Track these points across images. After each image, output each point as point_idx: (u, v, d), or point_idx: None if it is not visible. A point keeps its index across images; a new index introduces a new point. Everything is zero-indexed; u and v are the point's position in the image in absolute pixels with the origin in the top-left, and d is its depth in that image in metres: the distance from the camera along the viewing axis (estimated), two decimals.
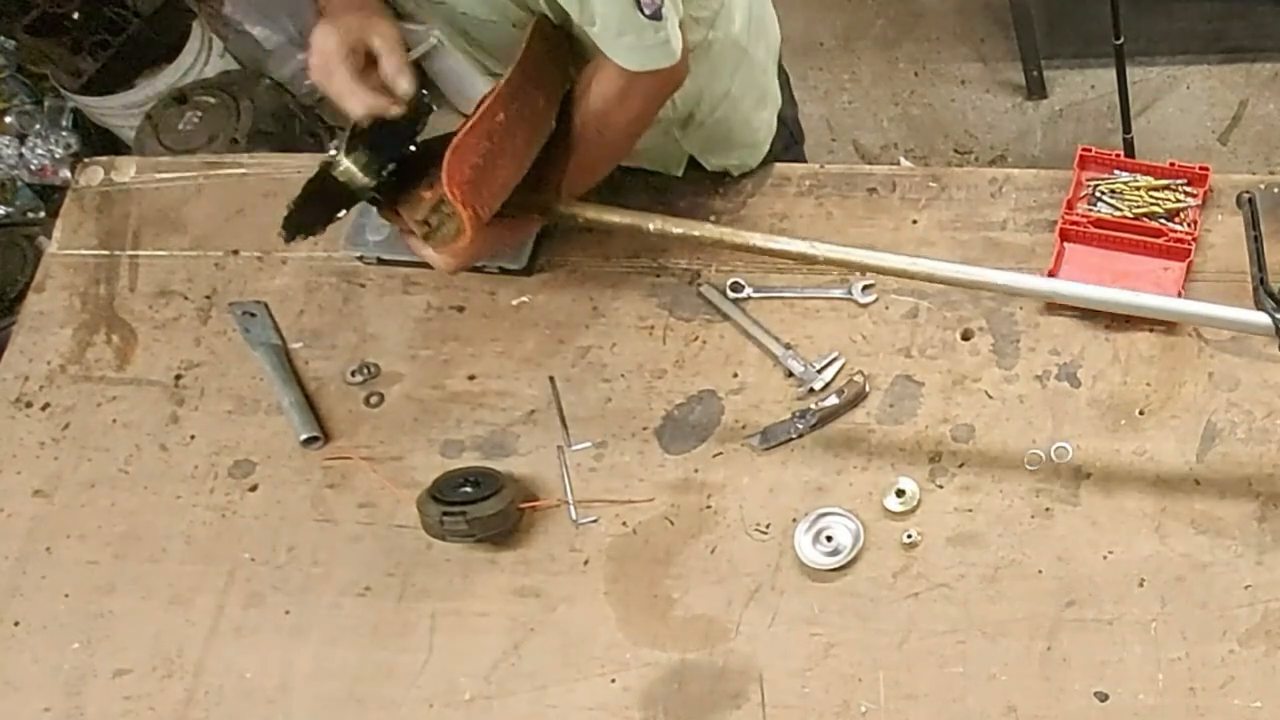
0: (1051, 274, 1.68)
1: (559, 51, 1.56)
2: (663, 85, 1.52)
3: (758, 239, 1.48)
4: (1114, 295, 1.44)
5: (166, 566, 1.65)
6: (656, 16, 1.40)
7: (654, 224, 1.51)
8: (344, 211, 1.53)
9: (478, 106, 1.48)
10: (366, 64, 1.51)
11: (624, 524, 1.61)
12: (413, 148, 1.53)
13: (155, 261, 1.87)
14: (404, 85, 1.50)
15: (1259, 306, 1.55)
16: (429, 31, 3.06)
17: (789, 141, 1.92)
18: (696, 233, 1.51)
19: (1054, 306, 1.68)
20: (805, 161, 2.04)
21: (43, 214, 3.10)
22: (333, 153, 1.50)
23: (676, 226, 1.51)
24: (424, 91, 1.56)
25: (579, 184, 1.61)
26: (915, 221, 1.77)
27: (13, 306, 2.78)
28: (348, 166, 1.50)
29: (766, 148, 1.82)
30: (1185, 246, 1.67)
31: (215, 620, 1.61)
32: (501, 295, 1.78)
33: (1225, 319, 1.44)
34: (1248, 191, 1.66)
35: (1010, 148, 3.15)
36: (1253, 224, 1.65)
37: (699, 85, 1.67)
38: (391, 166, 1.51)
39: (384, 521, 1.64)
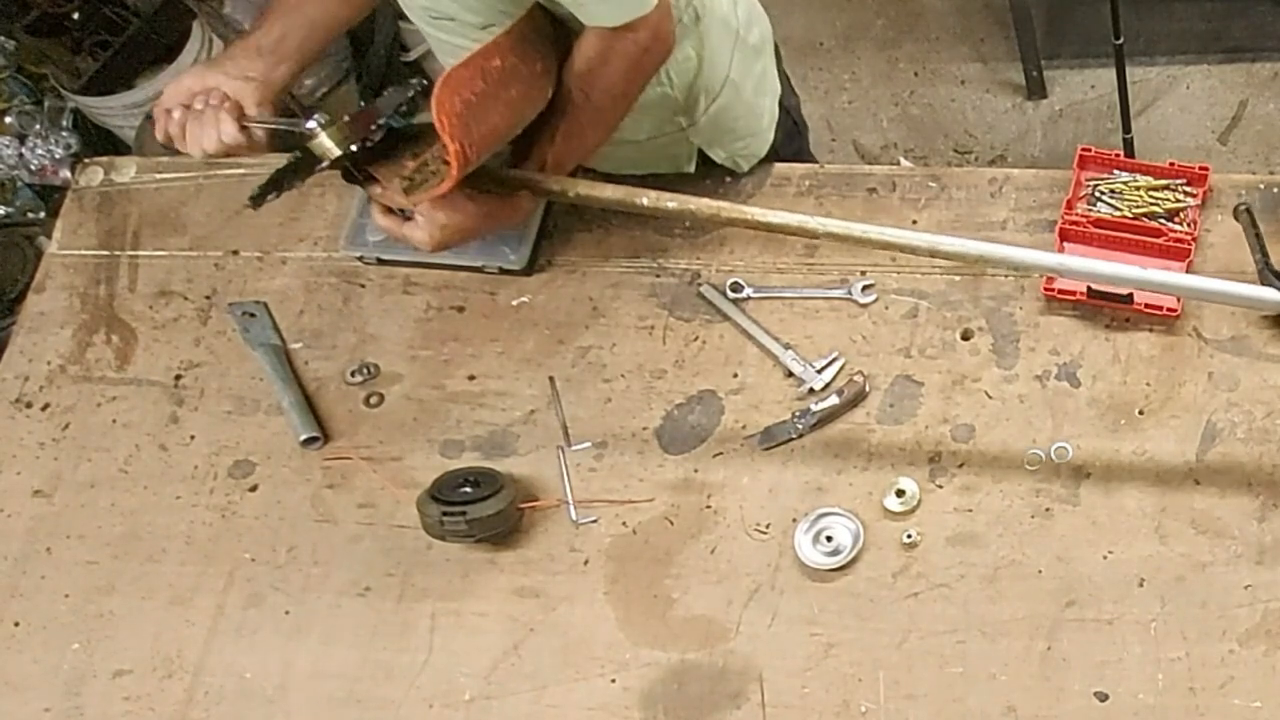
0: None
1: (558, 34, 1.57)
2: (644, 50, 1.52)
3: (755, 212, 1.46)
4: (1121, 270, 1.43)
5: (166, 566, 1.65)
6: None
7: (647, 199, 1.49)
8: (322, 164, 1.52)
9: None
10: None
11: (624, 524, 1.61)
12: (400, 123, 1.53)
13: (155, 262, 1.88)
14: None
15: (1265, 284, 1.55)
16: None
17: (793, 131, 1.92)
18: (692, 206, 1.48)
19: (1054, 305, 1.68)
20: (810, 152, 2.05)
21: (43, 214, 3.10)
22: (311, 125, 1.50)
23: (671, 201, 1.48)
24: (414, 80, 1.56)
25: (568, 155, 1.60)
26: (915, 221, 1.77)
27: (13, 307, 2.77)
28: (322, 139, 1.50)
29: (771, 135, 1.83)
30: (1185, 246, 1.67)
31: (215, 620, 1.61)
32: (501, 295, 1.78)
33: (1234, 294, 1.43)
34: (1243, 203, 1.66)
35: (1010, 148, 3.15)
36: (1252, 225, 1.65)
37: (697, 65, 1.67)
38: (369, 141, 1.51)
39: (384, 521, 1.64)
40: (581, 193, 1.54)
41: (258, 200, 1.52)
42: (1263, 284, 1.54)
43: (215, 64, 1.64)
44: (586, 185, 1.54)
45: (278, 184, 1.53)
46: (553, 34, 1.55)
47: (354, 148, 1.50)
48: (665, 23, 1.51)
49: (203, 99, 1.59)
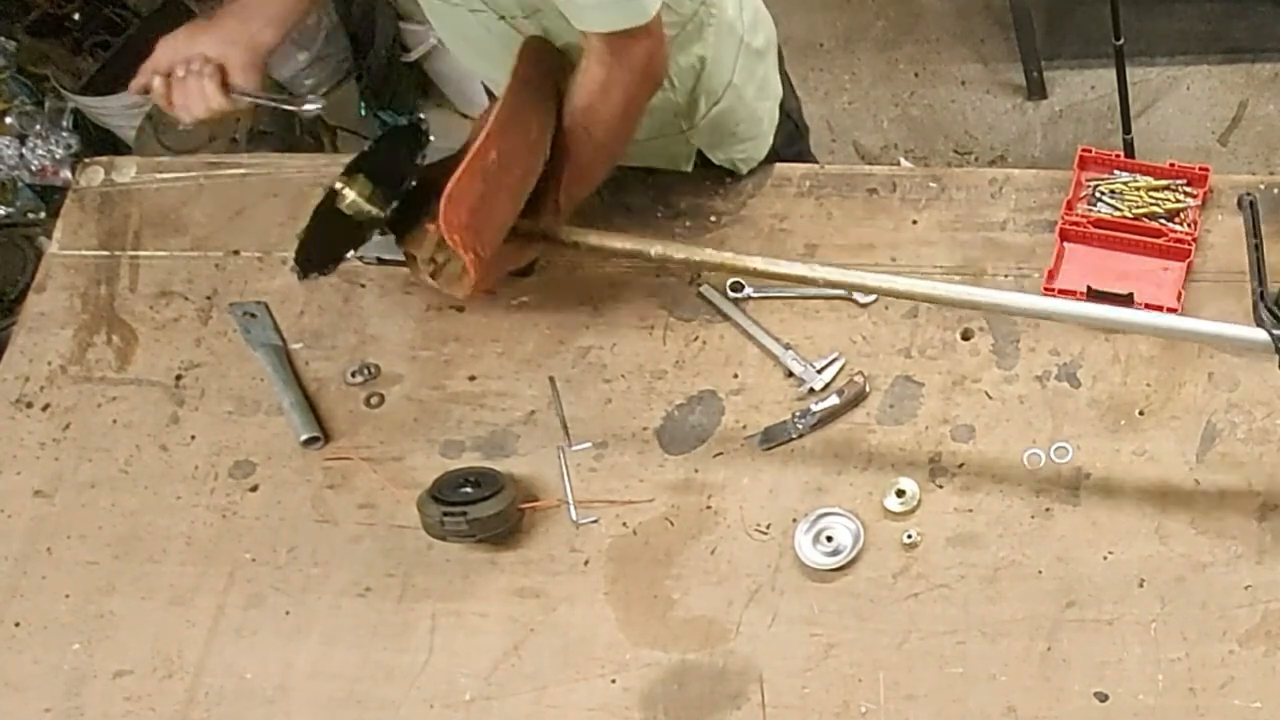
0: (1051, 274, 1.68)
1: (551, 72, 1.57)
2: (642, 78, 1.52)
3: (758, 262, 1.51)
4: (1111, 313, 1.45)
5: (166, 567, 1.65)
6: None
7: (655, 249, 1.54)
8: (359, 246, 1.54)
9: (469, 143, 1.49)
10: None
11: (624, 524, 1.61)
12: (413, 176, 1.53)
13: (155, 262, 1.87)
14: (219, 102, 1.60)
15: (1258, 322, 1.56)
16: (429, 32, 3.06)
17: (793, 135, 1.92)
18: (697, 258, 1.54)
19: None
20: (810, 154, 2.05)
21: (43, 214, 3.10)
22: (338, 185, 1.51)
23: (679, 252, 1.54)
24: (420, 117, 1.57)
25: (576, 189, 1.61)
26: (915, 222, 1.77)
27: (13, 307, 2.77)
28: (354, 199, 1.51)
29: (771, 139, 1.83)
30: (1185, 247, 1.67)
31: (215, 620, 1.61)
32: (501, 295, 1.78)
33: (1223, 335, 1.44)
34: (1249, 193, 1.67)
35: (1010, 148, 3.14)
36: (1253, 229, 1.65)
37: (700, 70, 1.67)
38: (396, 202, 1.51)
39: (384, 522, 1.64)
40: (592, 243, 1.57)
41: (303, 274, 1.54)
42: (1256, 320, 1.55)
43: (201, 29, 1.65)
44: (597, 236, 1.57)
45: (323, 257, 1.54)
46: (547, 64, 1.56)
47: (387, 213, 1.51)
48: (660, 49, 1.52)
49: (185, 65, 1.59)
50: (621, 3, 1.43)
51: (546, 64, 1.56)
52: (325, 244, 1.55)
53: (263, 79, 1.65)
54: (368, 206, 1.51)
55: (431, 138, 1.54)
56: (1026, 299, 1.47)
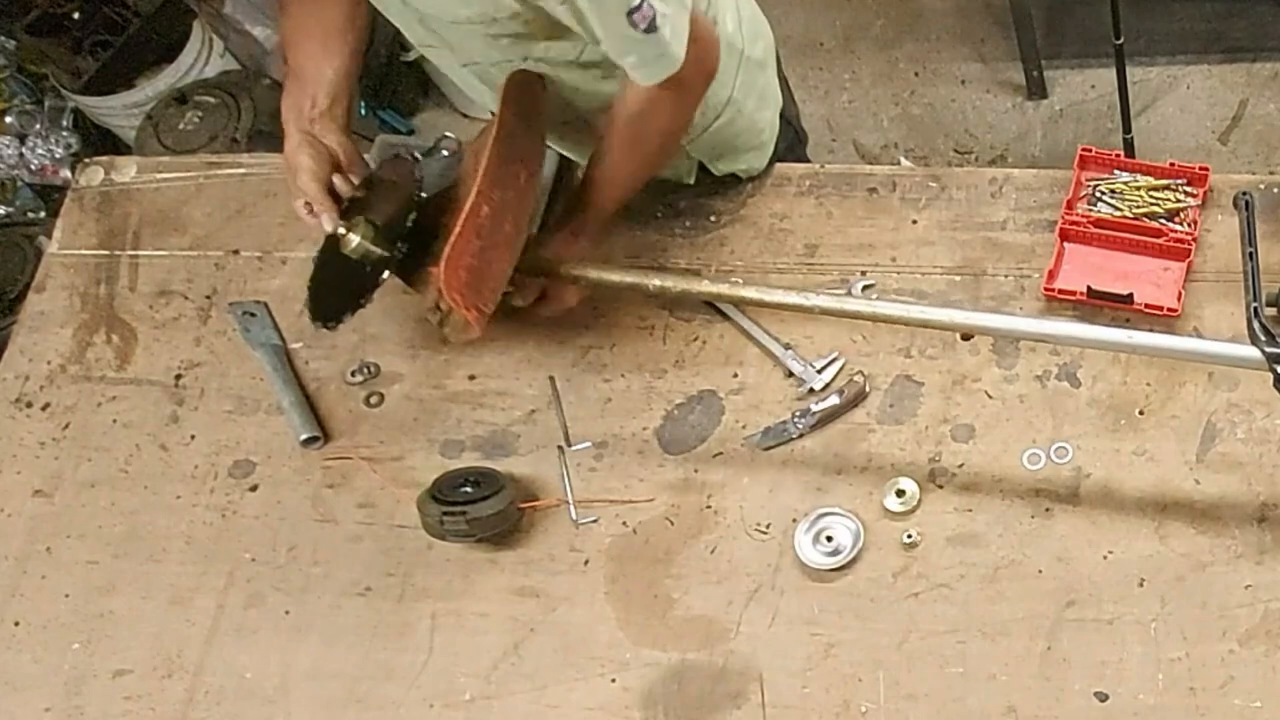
0: (1051, 274, 1.68)
1: (534, 111, 1.57)
2: (686, 92, 1.53)
3: (752, 292, 1.54)
4: (1106, 334, 1.45)
5: (166, 566, 1.65)
6: (651, 29, 1.40)
7: (654, 282, 1.56)
8: (370, 292, 1.54)
9: (461, 203, 1.48)
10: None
11: (624, 524, 1.61)
12: (414, 216, 1.53)
13: (155, 261, 1.87)
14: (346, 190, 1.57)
15: (1252, 339, 1.55)
16: None
17: (793, 142, 1.92)
18: (695, 289, 1.57)
19: (1054, 306, 1.68)
20: (809, 160, 2.05)
21: (43, 214, 3.10)
22: (340, 230, 1.51)
23: (676, 284, 1.56)
24: (415, 155, 1.56)
25: (619, 194, 1.63)
26: (915, 221, 1.77)
27: (13, 306, 2.77)
28: (359, 243, 1.51)
29: (772, 148, 1.82)
30: (1185, 246, 1.67)
31: (215, 620, 1.61)
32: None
33: (1215, 354, 1.43)
34: (1245, 193, 1.67)
35: (1010, 148, 3.15)
36: (1248, 236, 1.64)
37: None
38: (403, 245, 1.52)
39: (384, 521, 1.64)
40: (592, 277, 1.58)
41: (320, 323, 1.55)
42: (1250, 337, 1.55)
43: (297, 163, 1.57)
44: (596, 270, 1.58)
45: (338, 305, 1.55)
46: (529, 106, 1.56)
47: (393, 254, 1.52)
48: (707, 48, 1.51)
49: (306, 209, 1.57)
50: (656, 61, 1.44)
51: (529, 103, 1.56)
52: (334, 288, 1.56)
53: (347, 113, 1.62)
54: (374, 249, 1.51)
55: (424, 181, 1.54)
56: (1010, 320, 1.48)
